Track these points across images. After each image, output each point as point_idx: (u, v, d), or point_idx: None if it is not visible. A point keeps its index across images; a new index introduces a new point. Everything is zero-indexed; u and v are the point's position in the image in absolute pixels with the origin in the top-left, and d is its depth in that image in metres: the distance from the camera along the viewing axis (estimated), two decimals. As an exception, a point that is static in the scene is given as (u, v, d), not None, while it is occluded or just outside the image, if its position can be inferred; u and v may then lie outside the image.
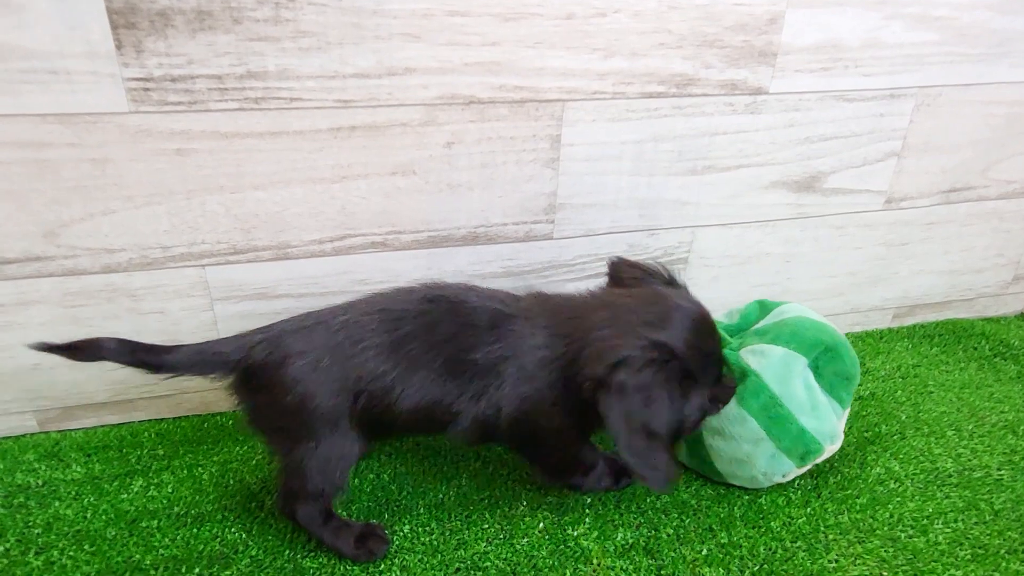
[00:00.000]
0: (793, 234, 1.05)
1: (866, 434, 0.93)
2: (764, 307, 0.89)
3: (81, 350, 0.68)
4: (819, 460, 0.80)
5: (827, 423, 0.78)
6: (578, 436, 0.75)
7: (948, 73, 0.98)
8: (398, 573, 0.72)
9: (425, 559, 0.74)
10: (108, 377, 0.90)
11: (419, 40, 0.77)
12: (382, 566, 0.73)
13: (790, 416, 0.76)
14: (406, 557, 0.74)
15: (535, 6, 0.79)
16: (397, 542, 0.76)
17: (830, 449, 0.79)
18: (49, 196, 0.77)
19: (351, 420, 0.70)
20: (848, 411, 0.83)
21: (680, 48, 0.86)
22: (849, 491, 0.83)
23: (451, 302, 0.71)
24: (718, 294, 1.07)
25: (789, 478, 0.81)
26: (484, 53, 0.80)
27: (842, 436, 0.81)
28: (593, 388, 0.65)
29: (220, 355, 0.70)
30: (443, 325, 0.70)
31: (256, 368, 0.69)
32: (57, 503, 0.80)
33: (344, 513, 0.79)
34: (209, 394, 0.95)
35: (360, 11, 0.74)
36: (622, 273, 0.77)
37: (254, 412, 0.72)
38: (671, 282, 0.76)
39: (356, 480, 0.84)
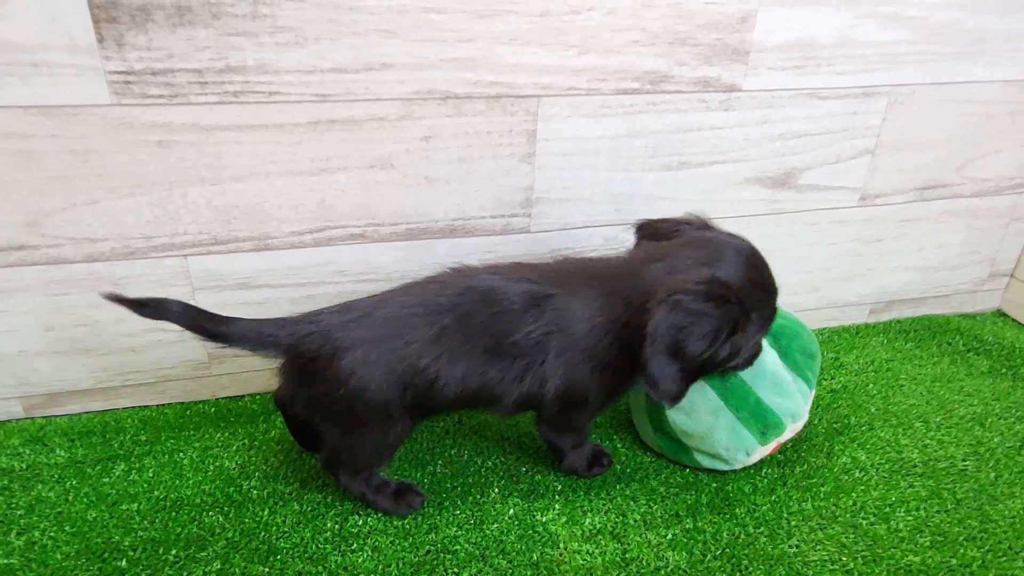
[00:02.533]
0: (768, 230, 1.07)
1: (835, 425, 0.95)
2: None
3: (148, 307, 0.70)
4: (782, 439, 0.82)
5: (789, 400, 0.80)
6: (607, 400, 0.78)
7: (921, 72, 1.00)
8: (370, 554, 0.74)
9: (397, 541, 0.76)
10: (92, 364, 0.92)
11: (395, 36, 0.79)
12: (355, 546, 0.75)
13: (744, 385, 0.79)
14: (378, 539, 0.76)
15: (509, 3, 0.80)
16: (371, 523, 0.78)
17: (792, 428, 0.81)
18: (32, 186, 0.78)
19: (401, 408, 0.73)
20: (814, 392, 0.85)
21: (653, 45, 0.87)
22: (814, 480, 0.85)
23: (482, 291, 0.73)
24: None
25: (755, 458, 0.83)
26: (460, 49, 0.82)
27: (806, 416, 0.83)
28: (650, 311, 0.67)
29: (273, 337, 0.72)
30: (478, 315, 0.72)
31: (309, 359, 0.72)
32: (40, 486, 0.82)
33: (319, 496, 0.81)
34: (192, 382, 0.97)
35: (337, 7, 0.76)
36: (656, 229, 0.79)
37: (306, 402, 0.76)
38: (706, 227, 0.77)
39: (332, 466, 0.86)
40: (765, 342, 0.81)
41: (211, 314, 0.72)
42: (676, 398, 0.69)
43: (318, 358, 0.71)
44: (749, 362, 0.77)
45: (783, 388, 0.80)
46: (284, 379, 0.75)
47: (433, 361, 0.71)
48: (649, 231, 0.80)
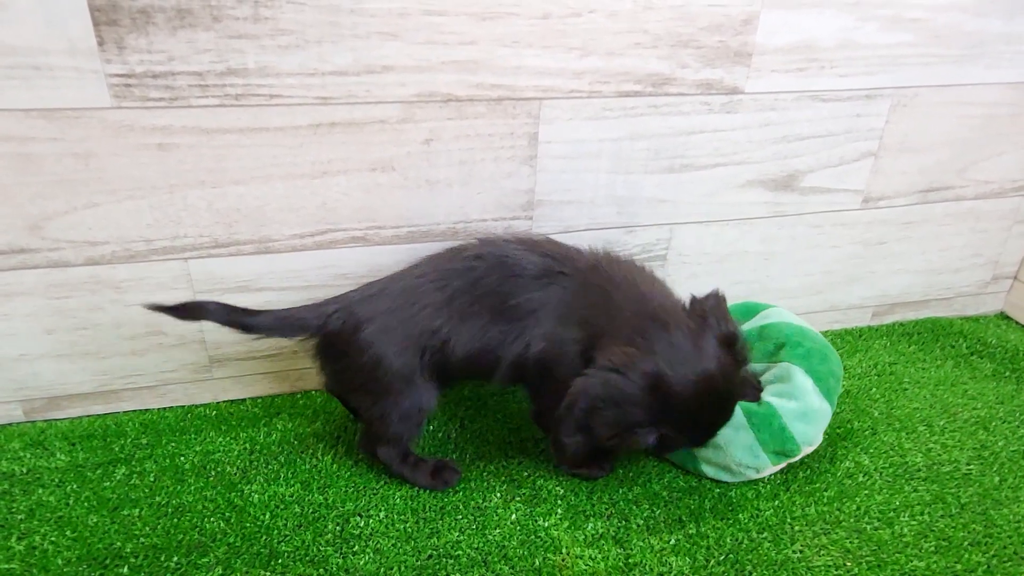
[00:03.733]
0: (771, 232, 1.06)
1: (838, 430, 0.94)
2: (748, 310, 0.93)
3: (187, 310, 0.76)
4: (793, 460, 0.82)
5: (814, 428, 0.81)
6: None
7: (924, 74, 0.99)
8: (371, 556, 0.74)
9: (399, 545, 0.75)
10: (93, 368, 0.91)
11: (396, 39, 0.79)
12: (356, 548, 0.74)
13: (772, 410, 0.79)
14: (380, 541, 0.76)
15: (511, 6, 0.80)
16: (372, 526, 0.77)
17: (806, 450, 0.81)
18: (33, 190, 0.78)
19: (422, 373, 0.78)
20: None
21: (656, 48, 0.87)
22: (817, 484, 0.84)
23: (498, 256, 0.78)
24: (697, 291, 1.08)
25: (762, 475, 0.82)
26: (461, 52, 0.81)
27: (820, 439, 0.83)
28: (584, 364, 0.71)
29: (301, 320, 0.78)
30: (488, 278, 0.76)
31: (334, 336, 0.78)
32: (40, 490, 0.82)
33: (320, 498, 0.81)
34: (193, 386, 0.97)
35: (338, 10, 0.76)
36: (701, 306, 0.76)
37: (336, 375, 0.82)
38: (730, 341, 0.73)
39: (335, 466, 0.86)
40: (802, 370, 0.82)
41: (244, 309, 0.78)
42: (569, 465, 0.76)
43: (342, 332, 0.77)
44: (666, 451, 0.79)
45: (809, 416, 0.80)
46: (318, 359, 0.81)
47: (444, 322, 0.76)
48: (698, 306, 0.77)
